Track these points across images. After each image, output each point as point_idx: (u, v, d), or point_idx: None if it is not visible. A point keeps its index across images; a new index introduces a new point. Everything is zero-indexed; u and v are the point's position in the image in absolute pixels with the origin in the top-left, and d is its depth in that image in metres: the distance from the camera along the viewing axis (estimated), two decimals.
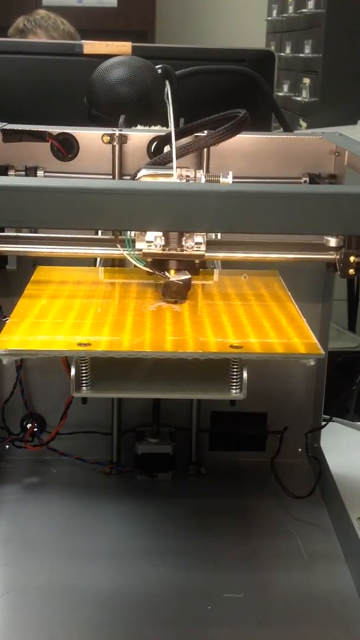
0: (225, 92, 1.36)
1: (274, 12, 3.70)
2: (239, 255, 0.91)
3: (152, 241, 0.83)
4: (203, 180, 0.89)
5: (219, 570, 0.92)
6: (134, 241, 0.84)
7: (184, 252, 0.84)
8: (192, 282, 0.93)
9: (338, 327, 1.91)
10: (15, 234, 0.93)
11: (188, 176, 0.88)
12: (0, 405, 1.10)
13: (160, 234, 0.83)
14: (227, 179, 0.91)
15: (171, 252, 0.83)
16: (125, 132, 1.02)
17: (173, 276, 0.85)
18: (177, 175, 0.87)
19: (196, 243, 0.83)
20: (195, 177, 0.88)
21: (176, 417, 1.12)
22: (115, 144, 1.02)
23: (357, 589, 0.89)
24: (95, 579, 0.90)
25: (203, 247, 0.84)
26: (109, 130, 1.02)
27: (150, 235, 0.83)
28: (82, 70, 1.17)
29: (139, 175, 0.88)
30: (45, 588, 0.89)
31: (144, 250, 0.83)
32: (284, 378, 1.12)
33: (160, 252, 0.83)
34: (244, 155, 1.04)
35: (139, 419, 1.12)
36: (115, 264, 1.00)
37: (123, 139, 1.02)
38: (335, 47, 2.97)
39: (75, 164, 1.04)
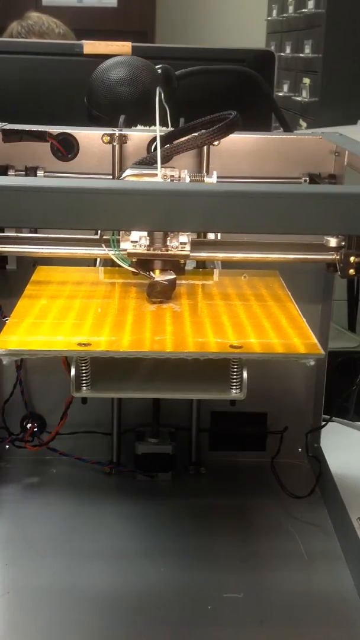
0: (225, 92, 1.36)
1: (274, 12, 3.70)
2: (239, 256, 0.91)
3: (137, 241, 0.83)
4: (187, 180, 0.89)
5: (219, 570, 0.92)
6: (118, 241, 0.85)
7: (169, 252, 0.84)
8: (193, 282, 0.93)
9: (338, 327, 1.91)
10: (15, 234, 0.93)
11: (172, 176, 0.88)
12: (0, 405, 1.10)
13: (145, 233, 0.83)
14: (212, 179, 0.91)
15: (156, 252, 0.84)
16: (125, 132, 1.02)
17: (158, 276, 0.85)
18: (161, 175, 0.87)
19: (181, 243, 0.84)
20: (179, 177, 0.89)
21: (176, 417, 1.12)
22: (115, 144, 1.02)
23: (357, 589, 0.89)
24: (95, 579, 0.90)
25: (188, 247, 0.84)
26: (109, 130, 1.02)
27: (135, 235, 0.83)
28: (82, 70, 1.17)
29: (124, 175, 0.89)
30: (45, 588, 0.89)
31: (128, 250, 0.84)
32: (284, 378, 1.12)
33: (145, 252, 0.83)
34: (244, 155, 1.04)
35: (139, 419, 1.12)
36: (115, 264, 0.99)
37: (123, 139, 1.02)
38: (335, 47, 2.97)
39: (75, 164, 1.04)
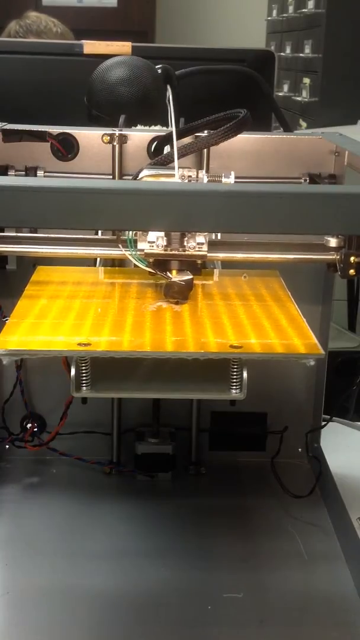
0: (225, 92, 1.36)
1: (274, 12, 3.70)
2: (239, 256, 0.91)
3: (154, 241, 0.83)
4: (205, 180, 0.89)
5: (219, 570, 0.92)
6: (135, 241, 0.84)
7: (186, 253, 0.84)
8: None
9: (338, 327, 1.91)
10: (15, 234, 0.93)
11: (190, 176, 0.88)
12: (0, 405, 1.10)
13: (162, 234, 0.83)
14: (230, 179, 0.91)
15: (173, 252, 0.84)
16: (125, 132, 1.02)
17: (175, 276, 0.85)
18: (179, 176, 0.87)
19: (198, 243, 0.83)
20: (197, 177, 0.88)
21: (176, 417, 1.12)
22: (115, 144, 1.02)
23: (357, 589, 0.89)
24: (95, 579, 0.90)
25: (205, 247, 0.84)
26: (109, 130, 1.02)
27: (152, 235, 0.83)
28: (82, 70, 1.17)
29: (140, 175, 0.88)
30: (45, 588, 0.89)
31: (145, 251, 0.83)
32: (284, 378, 1.12)
33: (162, 252, 0.83)
34: (244, 155, 1.04)
35: (139, 419, 1.12)
36: (115, 264, 1.00)
37: (123, 139, 1.02)
38: (335, 47, 2.97)
39: (75, 164, 1.04)
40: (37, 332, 0.79)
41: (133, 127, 1.05)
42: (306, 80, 3.16)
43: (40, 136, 1.02)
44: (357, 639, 0.83)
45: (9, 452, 1.12)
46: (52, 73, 1.39)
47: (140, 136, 1.02)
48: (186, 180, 0.87)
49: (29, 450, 1.10)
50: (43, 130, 1.02)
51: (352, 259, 0.86)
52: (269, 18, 3.79)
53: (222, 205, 0.70)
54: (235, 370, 0.81)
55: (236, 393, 0.81)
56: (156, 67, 1.15)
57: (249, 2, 4.22)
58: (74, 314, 0.84)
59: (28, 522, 1.00)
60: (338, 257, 0.87)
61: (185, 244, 0.83)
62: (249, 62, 1.38)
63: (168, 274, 0.85)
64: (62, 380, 0.90)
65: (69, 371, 0.79)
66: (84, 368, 0.80)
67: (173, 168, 0.88)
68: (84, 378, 0.80)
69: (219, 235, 0.92)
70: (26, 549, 0.95)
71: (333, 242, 0.87)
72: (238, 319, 0.84)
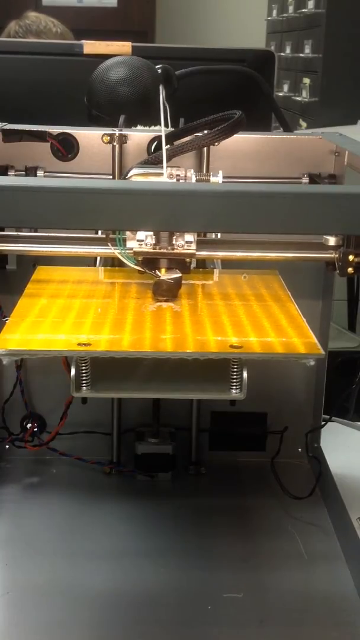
0: (225, 92, 1.36)
1: (274, 12, 3.70)
2: (238, 254, 0.91)
3: (142, 240, 0.83)
4: (193, 179, 0.89)
5: (219, 570, 0.92)
6: (125, 240, 0.85)
7: (175, 251, 0.84)
8: (193, 282, 0.93)
9: (338, 327, 1.91)
10: (15, 233, 0.93)
11: (178, 175, 0.88)
12: (0, 405, 1.10)
13: (151, 232, 0.83)
14: (217, 178, 0.91)
15: (162, 250, 0.84)
16: (125, 132, 1.02)
17: (164, 275, 0.85)
18: (167, 175, 0.87)
19: (186, 242, 0.84)
20: (185, 176, 0.89)
21: (176, 417, 1.12)
22: (115, 144, 1.02)
23: (357, 589, 0.89)
24: (95, 579, 0.90)
25: (193, 246, 0.84)
26: (109, 130, 1.02)
27: (141, 234, 0.83)
28: (82, 70, 1.17)
29: (130, 174, 0.89)
30: (45, 588, 0.89)
31: (134, 249, 0.84)
32: (284, 378, 1.12)
33: (151, 250, 0.83)
34: (244, 155, 1.04)
35: (139, 419, 1.12)
36: (115, 263, 1.00)
37: (123, 139, 1.02)
38: (335, 47, 2.97)
39: (75, 164, 1.04)
40: (38, 332, 0.79)
41: (133, 127, 1.05)
42: (306, 80, 3.16)
43: (40, 136, 1.02)
44: (357, 639, 0.83)
45: (9, 452, 1.12)
46: (52, 73, 1.39)
47: (140, 136, 1.03)
48: (174, 180, 0.87)
49: (29, 450, 1.10)
50: (43, 130, 1.02)
51: (350, 257, 0.86)
52: (269, 18, 3.79)
53: (225, 206, 0.70)
54: (235, 370, 0.81)
55: (236, 393, 0.81)
56: (156, 67, 1.16)
57: (249, 2, 4.22)
58: (74, 313, 0.84)
59: (28, 522, 1.00)
60: (337, 255, 0.87)
61: (174, 242, 0.84)
62: (249, 62, 1.38)
63: (157, 272, 0.85)
64: (62, 380, 0.90)
65: (69, 371, 0.79)
66: (84, 368, 0.80)
67: (162, 167, 0.88)
68: (84, 378, 0.80)
69: (218, 234, 0.92)
70: (26, 549, 0.95)
71: (332, 240, 0.87)
72: (238, 318, 0.84)
